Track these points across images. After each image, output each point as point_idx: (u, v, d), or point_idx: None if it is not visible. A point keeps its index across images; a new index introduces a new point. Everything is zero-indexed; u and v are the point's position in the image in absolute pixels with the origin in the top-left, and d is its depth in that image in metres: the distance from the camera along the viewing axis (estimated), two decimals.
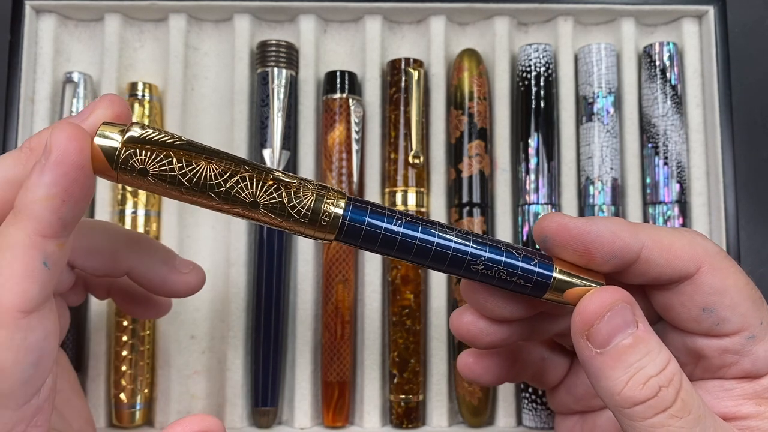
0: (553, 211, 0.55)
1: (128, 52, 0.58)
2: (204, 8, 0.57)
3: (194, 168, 0.26)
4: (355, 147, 0.55)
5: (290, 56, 0.56)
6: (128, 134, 0.27)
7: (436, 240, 0.28)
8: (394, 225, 0.28)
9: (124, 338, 0.53)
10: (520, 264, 0.29)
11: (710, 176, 0.56)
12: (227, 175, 0.27)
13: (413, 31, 0.59)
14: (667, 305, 0.32)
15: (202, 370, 0.55)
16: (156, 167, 0.26)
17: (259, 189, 0.27)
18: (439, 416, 0.54)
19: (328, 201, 0.28)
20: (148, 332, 0.53)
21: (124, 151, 0.26)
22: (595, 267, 0.30)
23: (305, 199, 0.27)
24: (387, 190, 0.55)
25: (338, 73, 0.56)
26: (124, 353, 0.53)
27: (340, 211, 0.28)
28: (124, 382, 0.52)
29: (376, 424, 0.53)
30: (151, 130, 0.27)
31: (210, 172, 0.26)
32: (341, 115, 0.55)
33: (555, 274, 0.29)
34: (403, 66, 0.56)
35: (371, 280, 0.54)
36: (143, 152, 0.26)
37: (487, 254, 0.29)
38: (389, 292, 0.54)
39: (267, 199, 0.27)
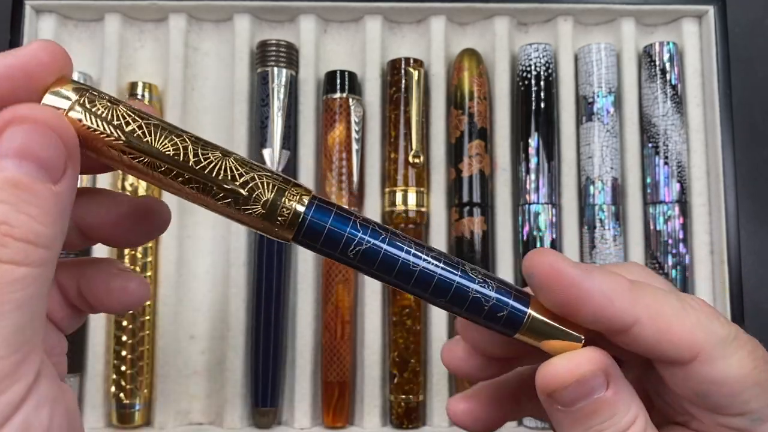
0: (553, 211, 0.55)
1: (128, 52, 0.58)
2: (204, 8, 0.57)
3: (141, 161, 0.24)
4: (355, 147, 0.55)
5: (290, 56, 0.56)
6: (69, 114, 0.24)
7: (402, 255, 0.26)
8: (359, 232, 0.25)
9: (124, 338, 0.53)
10: (494, 295, 0.26)
11: (710, 176, 0.56)
12: (174, 172, 0.24)
13: (413, 31, 0.59)
14: (656, 379, 0.29)
15: (201, 370, 0.55)
16: (100, 147, 0.24)
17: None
18: (440, 416, 0.53)
19: (289, 196, 0.25)
20: (147, 332, 0.53)
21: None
22: (572, 320, 0.27)
23: (264, 192, 0.25)
24: (387, 189, 0.55)
25: (338, 73, 0.56)
26: (124, 353, 0.53)
27: (302, 209, 0.25)
28: (123, 382, 0.52)
29: (376, 425, 0.53)
30: (90, 115, 0.24)
31: (159, 156, 0.24)
32: (341, 115, 0.55)
33: (530, 311, 0.27)
34: (403, 66, 0.56)
35: (371, 280, 0.54)
36: (89, 122, 0.24)
37: (457, 279, 0.26)
38: (389, 292, 0.54)
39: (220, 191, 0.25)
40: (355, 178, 0.55)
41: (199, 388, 0.55)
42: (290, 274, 0.55)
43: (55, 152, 0.22)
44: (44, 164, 0.22)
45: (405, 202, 0.54)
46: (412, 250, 0.26)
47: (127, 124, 0.24)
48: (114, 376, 0.53)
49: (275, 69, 0.55)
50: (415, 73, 0.56)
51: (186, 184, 0.24)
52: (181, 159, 0.24)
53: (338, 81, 0.56)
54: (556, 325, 0.27)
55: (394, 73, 0.56)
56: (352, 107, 0.55)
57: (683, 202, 0.55)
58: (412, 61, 0.56)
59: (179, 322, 0.54)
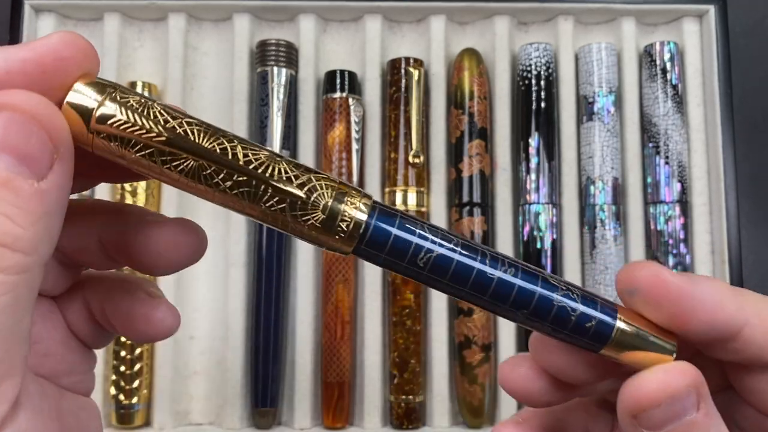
0: (554, 211, 0.54)
1: (127, 51, 0.57)
2: (203, 7, 0.57)
3: (181, 163, 0.21)
4: (355, 146, 0.55)
5: (290, 55, 0.56)
6: (99, 112, 0.21)
7: (477, 264, 0.23)
8: (428, 239, 0.22)
9: (123, 338, 0.52)
10: (580, 307, 0.24)
11: (711, 176, 0.55)
12: (223, 173, 0.21)
13: (413, 31, 0.59)
14: (753, 389, 0.26)
15: (201, 370, 0.55)
16: (132, 152, 0.21)
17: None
18: (440, 417, 0.53)
19: (349, 201, 0.22)
20: None
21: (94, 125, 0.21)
22: (684, 336, 0.25)
23: (323, 195, 0.22)
24: (387, 189, 0.55)
25: (338, 73, 0.56)
26: (123, 353, 0.52)
27: (363, 216, 0.22)
28: (123, 383, 0.52)
29: (376, 425, 0.53)
30: (126, 110, 0.21)
31: (206, 155, 0.21)
32: (341, 115, 0.55)
33: (618, 324, 0.24)
34: (403, 65, 0.56)
35: (371, 280, 0.54)
36: (114, 139, 0.21)
37: (539, 290, 0.23)
38: (389, 292, 0.54)
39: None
40: (355, 178, 0.55)
41: (198, 388, 0.55)
42: (290, 274, 0.55)
43: (39, 144, 0.19)
44: (25, 158, 0.19)
45: (405, 202, 0.54)
46: (488, 259, 0.23)
47: (167, 121, 0.21)
48: (113, 377, 0.53)
49: (275, 68, 0.55)
50: (415, 73, 0.55)
51: (233, 189, 0.21)
52: (230, 158, 0.21)
53: (338, 81, 0.56)
54: (647, 335, 0.24)
55: (394, 72, 0.56)
56: (352, 107, 0.55)
57: (684, 202, 0.55)
58: (412, 60, 0.56)
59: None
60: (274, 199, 0.21)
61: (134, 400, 0.52)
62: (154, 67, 0.58)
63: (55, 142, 0.19)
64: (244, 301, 0.54)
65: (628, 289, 0.25)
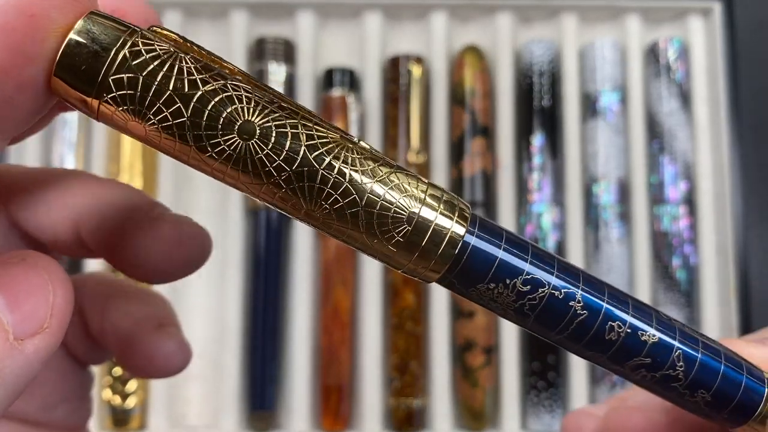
0: (557, 211, 0.54)
1: None
2: (199, 3, 0.56)
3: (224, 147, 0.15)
4: None
5: (288, 52, 0.55)
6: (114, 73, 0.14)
7: (603, 306, 0.17)
8: (546, 271, 0.16)
9: None
10: (722, 367, 0.18)
11: (717, 175, 0.55)
12: (296, 143, 0.15)
13: (414, 27, 0.58)
14: None
15: (197, 373, 0.54)
16: (155, 118, 0.14)
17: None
18: (441, 420, 0.52)
19: (443, 211, 0.16)
20: None
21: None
22: None
23: (407, 201, 0.15)
24: None
25: (337, 70, 0.55)
26: None
27: (461, 231, 0.16)
28: (118, 386, 0.51)
29: (375, 429, 0.52)
30: (152, 49, 0.14)
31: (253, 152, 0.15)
32: (340, 113, 0.54)
33: None
34: (403, 63, 0.55)
35: (371, 281, 0.53)
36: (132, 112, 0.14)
37: (676, 345, 0.17)
38: (389, 294, 0.53)
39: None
40: None
41: (194, 391, 0.54)
42: (288, 275, 0.54)
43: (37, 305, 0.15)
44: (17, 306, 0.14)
45: None
46: (623, 300, 0.17)
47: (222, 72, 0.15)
48: (109, 380, 0.52)
49: (273, 65, 0.54)
50: (416, 71, 0.55)
51: (289, 184, 0.15)
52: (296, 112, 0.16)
53: (337, 78, 0.55)
54: None
55: (394, 70, 0.55)
56: (351, 105, 0.55)
57: (689, 202, 0.54)
58: (412, 58, 0.55)
59: None
60: (346, 201, 0.15)
61: (129, 403, 0.52)
62: None
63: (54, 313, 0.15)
64: (240, 303, 0.53)
65: None
